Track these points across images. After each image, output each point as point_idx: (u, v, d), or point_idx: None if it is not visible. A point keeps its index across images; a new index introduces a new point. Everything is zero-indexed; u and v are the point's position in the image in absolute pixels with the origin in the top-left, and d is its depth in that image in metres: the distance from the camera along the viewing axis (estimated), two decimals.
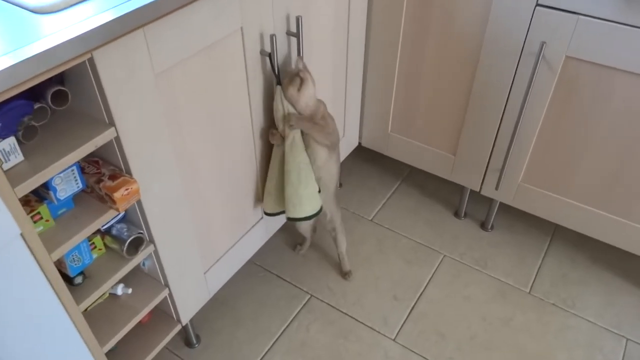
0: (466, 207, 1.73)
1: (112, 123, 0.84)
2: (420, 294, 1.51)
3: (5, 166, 0.76)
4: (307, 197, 1.24)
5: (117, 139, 0.86)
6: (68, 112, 0.86)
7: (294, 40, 1.17)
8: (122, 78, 0.81)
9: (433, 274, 1.57)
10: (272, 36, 1.05)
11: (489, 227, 1.69)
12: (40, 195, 0.86)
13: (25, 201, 0.85)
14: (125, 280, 1.12)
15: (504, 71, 1.31)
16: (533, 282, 1.54)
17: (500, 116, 1.39)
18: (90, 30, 0.73)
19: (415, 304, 1.49)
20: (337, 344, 1.40)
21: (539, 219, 1.63)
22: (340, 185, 1.86)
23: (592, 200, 1.39)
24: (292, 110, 1.13)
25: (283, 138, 1.17)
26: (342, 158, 1.69)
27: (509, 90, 1.34)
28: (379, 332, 1.42)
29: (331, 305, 1.49)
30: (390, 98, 1.58)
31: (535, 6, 1.19)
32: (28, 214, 0.83)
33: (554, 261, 1.59)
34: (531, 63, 1.25)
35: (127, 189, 0.89)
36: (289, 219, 1.28)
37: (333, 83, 1.45)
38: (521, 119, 1.33)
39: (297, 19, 1.11)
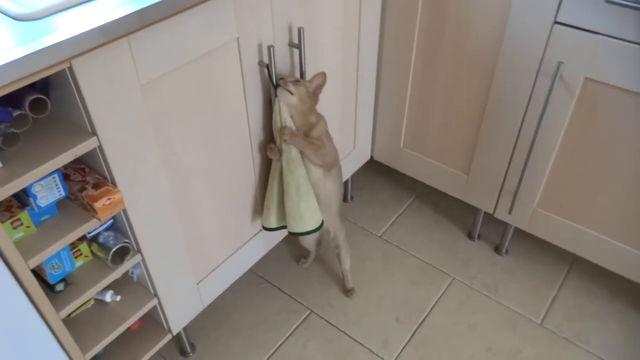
0: (480, 228, 1.65)
1: (94, 132, 0.83)
2: (425, 318, 1.45)
3: None
4: (308, 210, 1.21)
5: (100, 148, 0.85)
6: (53, 119, 0.86)
7: (297, 51, 1.14)
8: (103, 87, 0.80)
9: (440, 297, 1.50)
10: (269, 47, 1.03)
11: (504, 251, 1.61)
12: (23, 201, 0.85)
13: (7, 207, 0.85)
14: (115, 288, 1.11)
15: (519, 90, 1.24)
16: (546, 313, 1.45)
17: (516, 137, 1.32)
18: (69, 39, 0.72)
19: (418, 327, 1.43)
20: None
21: (557, 246, 1.54)
22: (352, 198, 1.81)
23: (612, 231, 1.30)
24: (289, 123, 1.10)
25: (280, 153, 1.14)
26: (352, 171, 1.65)
27: (525, 110, 1.27)
28: (377, 355, 1.37)
29: (331, 323, 1.45)
30: (403, 112, 1.53)
31: (553, 24, 1.12)
32: (8, 219, 0.83)
33: (570, 292, 1.50)
34: (548, 83, 1.18)
35: (109, 199, 0.88)
36: (291, 233, 1.25)
37: (343, 95, 1.41)
38: (536, 140, 1.26)
39: (299, 30, 1.08)
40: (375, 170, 1.89)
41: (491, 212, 1.50)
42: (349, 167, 1.61)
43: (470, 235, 1.67)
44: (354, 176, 1.82)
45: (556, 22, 1.12)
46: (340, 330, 1.43)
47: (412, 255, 1.62)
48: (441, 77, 1.39)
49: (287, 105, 1.09)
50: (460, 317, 1.45)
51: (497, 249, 1.62)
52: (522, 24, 1.16)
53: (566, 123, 1.22)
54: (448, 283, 1.54)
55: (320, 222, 1.24)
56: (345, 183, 1.77)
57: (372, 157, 1.72)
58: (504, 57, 1.23)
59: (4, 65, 0.67)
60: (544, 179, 1.33)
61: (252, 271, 1.58)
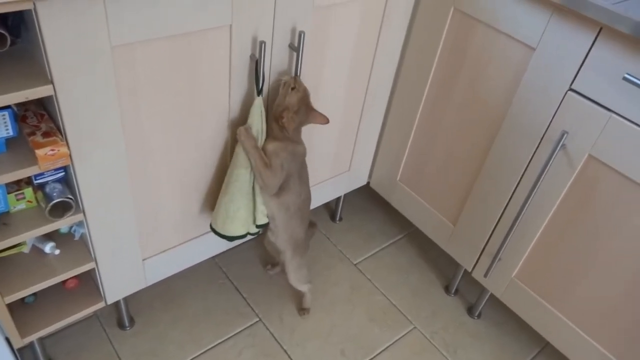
0: (460, 285, 1.57)
1: (51, 80, 0.82)
2: (371, 359, 1.38)
3: None
4: (226, 213, 1.15)
5: (56, 98, 0.84)
6: (25, 58, 0.86)
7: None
8: (68, 38, 0.79)
9: (393, 343, 1.42)
10: (261, 43, 1.00)
11: (476, 314, 1.52)
12: None
13: None
14: (58, 241, 1.10)
15: (521, 151, 1.17)
16: None
17: (508, 199, 1.24)
18: None
19: None
20: None
21: None
22: (340, 219, 1.76)
23: (586, 325, 1.19)
24: (255, 124, 1.07)
25: None
26: (342, 192, 1.61)
27: (522, 174, 1.19)
28: None
29: (274, 337, 1.40)
30: (406, 145, 1.47)
31: (567, 90, 1.04)
32: None
33: None
34: (549, 150, 1.10)
35: (53, 150, 0.87)
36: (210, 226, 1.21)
37: (344, 113, 1.37)
38: (527, 208, 1.17)
39: (300, 34, 1.05)
40: (374, 198, 1.83)
41: (469, 270, 1.42)
42: (339, 187, 1.56)
43: (447, 289, 1.58)
44: (349, 198, 1.76)
45: (571, 89, 1.04)
46: (282, 347, 1.38)
47: (380, 292, 1.55)
48: (448, 119, 1.33)
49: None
50: None
51: (470, 311, 1.53)
52: (537, 83, 1.09)
53: (560, 198, 1.13)
54: (407, 330, 1.46)
55: (236, 235, 1.18)
56: (336, 202, 1.72)
57: (369, 183, 1.66)
58: (512, 114, 1.16)
59: None
60: (527, 250, 1.24)
61: (215, 263, 1.55)
